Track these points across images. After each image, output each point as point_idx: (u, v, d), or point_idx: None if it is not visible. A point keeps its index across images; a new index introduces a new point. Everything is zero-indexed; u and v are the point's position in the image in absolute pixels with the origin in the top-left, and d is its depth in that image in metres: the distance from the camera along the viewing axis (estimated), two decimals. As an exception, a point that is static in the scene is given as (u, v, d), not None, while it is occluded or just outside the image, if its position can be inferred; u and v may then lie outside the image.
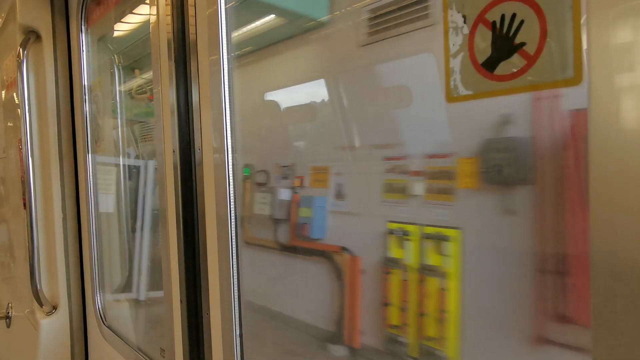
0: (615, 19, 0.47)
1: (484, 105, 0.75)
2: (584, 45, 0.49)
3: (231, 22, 1.20)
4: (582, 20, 0.58)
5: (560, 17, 0.60)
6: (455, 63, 0.70)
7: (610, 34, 0.48)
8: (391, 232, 1.10)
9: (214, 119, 1.21)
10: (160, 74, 1.39)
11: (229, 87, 1.18)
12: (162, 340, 1.48)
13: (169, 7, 1.33)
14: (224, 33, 1.18)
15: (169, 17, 1.33)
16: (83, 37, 2.04)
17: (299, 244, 1.39)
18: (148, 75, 1.94)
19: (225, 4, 1.19)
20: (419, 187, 1.04)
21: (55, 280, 2.13)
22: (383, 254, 1.13)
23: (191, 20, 1.29)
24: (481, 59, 0.67)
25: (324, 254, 1.30)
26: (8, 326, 2.60)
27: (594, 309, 0.50)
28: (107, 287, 2.13)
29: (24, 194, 2.08)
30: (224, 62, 1.18)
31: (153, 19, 1.41)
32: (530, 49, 0.62)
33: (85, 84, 2.06)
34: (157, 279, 2.04)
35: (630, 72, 0.47)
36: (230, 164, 1.18)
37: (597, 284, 0.51)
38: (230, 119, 1.19)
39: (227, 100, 1.18)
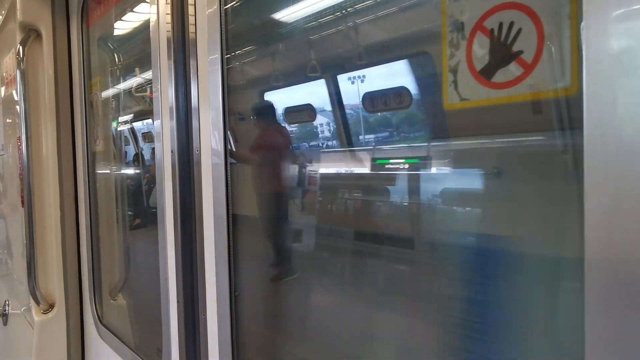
0: (612, 27, 0.47)
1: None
2: (583, 54, 0.49)
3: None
4: (580, 29, 0.58)
5: (558, 26, 0.60)
6: (453, 69, 0.70)
7: (606, 42, 0.48)
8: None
9: (213, 120, 1.20)
10: (160, 74, 1.39)
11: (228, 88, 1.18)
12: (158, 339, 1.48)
13: (169, 7, 1.33)
14: (223, 33, 1.18)
15: (169, 16, 1.33)
16: (83, 35, 2.04)
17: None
18: (148, 74, 1.94)
19: (225, 4, 1.19)
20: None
21: (53, 279, 2.13)
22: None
23: (191, 19, 1.28)
24: (479, 66, 0.67)
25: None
26: (5, 324, 2.60)
27: (589, 313, 0.50)
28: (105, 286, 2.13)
29: (22, 192, 2.07)
30: (223, 62, 1.18)
31: (153, 18, 1.40)
32: (528, 57, 0.62)
33: (85, 82, 2.05)
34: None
35: (625, 79, 0.47)
36: (228, 164, 1.17)
37: (592, 288, 0.51)
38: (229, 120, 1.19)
39: (226, 101, 1.18)
